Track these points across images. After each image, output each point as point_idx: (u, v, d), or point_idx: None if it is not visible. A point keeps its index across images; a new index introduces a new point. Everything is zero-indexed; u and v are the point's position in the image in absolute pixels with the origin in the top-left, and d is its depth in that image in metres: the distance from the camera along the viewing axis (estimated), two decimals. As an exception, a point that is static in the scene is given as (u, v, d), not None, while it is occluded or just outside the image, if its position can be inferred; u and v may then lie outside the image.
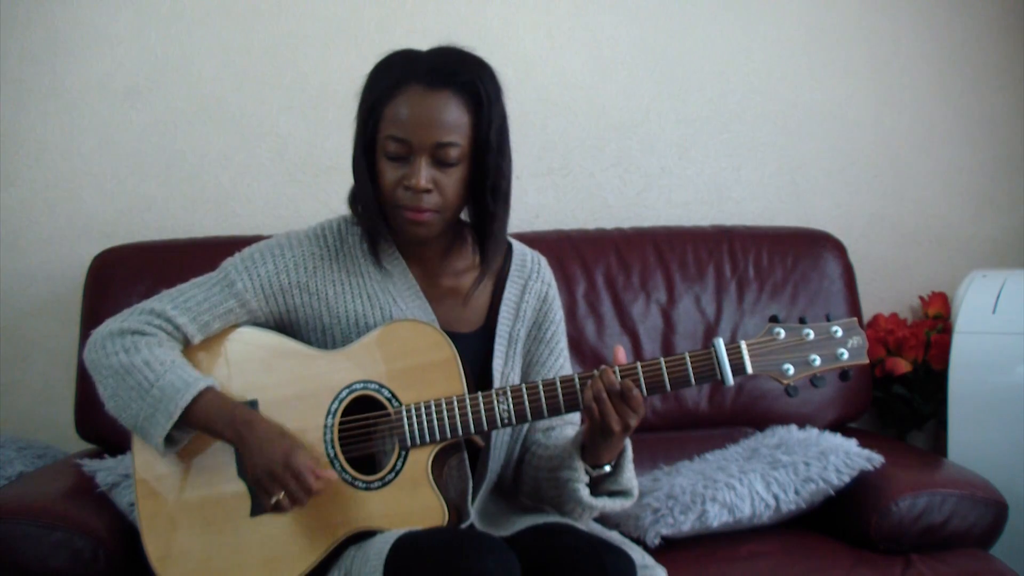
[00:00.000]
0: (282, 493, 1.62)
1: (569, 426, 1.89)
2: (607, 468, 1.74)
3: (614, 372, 1.64)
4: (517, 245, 1.91)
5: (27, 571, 1.84)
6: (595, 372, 1.65)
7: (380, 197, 1.71)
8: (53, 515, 1.88)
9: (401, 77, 1.68)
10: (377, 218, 1.73)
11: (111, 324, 1.74)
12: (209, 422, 1.66)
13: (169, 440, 1.67)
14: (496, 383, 1.79)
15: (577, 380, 1.67)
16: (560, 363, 1.89)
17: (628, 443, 1.75)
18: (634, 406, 1.63)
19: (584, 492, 1.73)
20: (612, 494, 1.77)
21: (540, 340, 1.88)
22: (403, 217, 1.70)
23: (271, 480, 1.63)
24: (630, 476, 1.76)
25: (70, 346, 2.47)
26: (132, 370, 1.67)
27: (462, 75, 1.68)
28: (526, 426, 1.86)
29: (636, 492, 1.79)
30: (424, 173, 1.66)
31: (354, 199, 1.79)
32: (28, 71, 2.57)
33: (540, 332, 1.89)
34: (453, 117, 1.67)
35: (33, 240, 2.58)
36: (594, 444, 1.70)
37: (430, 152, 1.67)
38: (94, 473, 2.06)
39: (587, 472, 1.73)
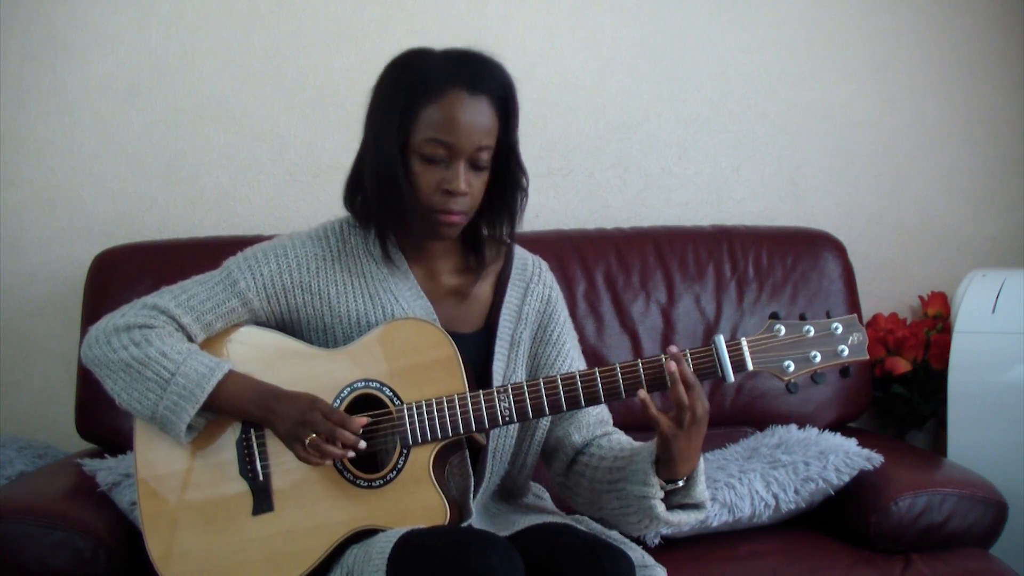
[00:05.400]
0: (312, 434, 1.62)
1: (617, 432, 1.86)
2: (680, 483, 1.71)
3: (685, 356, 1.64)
4: (518, 249, 1.91)
5: (27, 571, 1.84)
6: (639, 361, 1.65)
7: (414, 198, 1.71)
8: (53, 515, 1.88)
9: (442, 81, 1.68)
10: (410, 217, 1.72)
11: (113, 320, 1.74)
12: (235, 403, 1.68)
13: (188, 427, 1.68)
14: (496, 385, 1.79)
15: (579, 378, 1.67)
16: (568, 363, 1.87)
17: (701, 457, 1.71)
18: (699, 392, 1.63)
19: (661, 508, 1.68)
20: (684, 507, 1.74)
21: (546, 342, 1.88)
22: (436, 219, 1.71)
23: (301, 427, 1.63)
24: (702, 489, 1.73)
25: (70, 346, 2.47)
26: (147, 362, 1.67)
27: (496, 81, 1.72)
28: (534, 425, 1.86)
29: (709, 504, 1.76)
30: (464, 177, 1.69)
31: (352, 198, 1.79)
32: (28, 71, 2.57)
33: (545, 334, 1.88)
34: (490, 122, 1.71)
35: (33, 240, 2.58)
36: (669, 457, 1.66)
37: (469, 156, 1.69)
38: (95, 473, 2.06)
39: (661, 487, 1.70)
